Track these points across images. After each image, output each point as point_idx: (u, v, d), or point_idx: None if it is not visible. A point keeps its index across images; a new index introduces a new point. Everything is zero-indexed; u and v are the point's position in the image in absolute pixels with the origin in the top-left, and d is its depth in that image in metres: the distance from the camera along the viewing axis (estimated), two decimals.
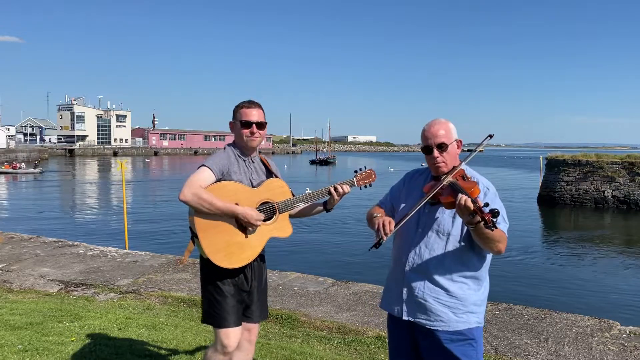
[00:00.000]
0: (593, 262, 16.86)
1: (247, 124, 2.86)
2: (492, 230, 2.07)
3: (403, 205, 2.55)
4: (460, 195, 2.16)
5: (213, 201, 2.63)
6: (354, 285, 6.40)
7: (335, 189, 2.92)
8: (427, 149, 2.44)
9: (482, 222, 2.06)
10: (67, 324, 4.56)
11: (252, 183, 2.87)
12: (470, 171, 2.46)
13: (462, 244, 2.36)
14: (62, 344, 4.00)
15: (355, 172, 3.10)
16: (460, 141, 2.49)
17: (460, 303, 2.36)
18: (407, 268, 2.42)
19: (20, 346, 3.90)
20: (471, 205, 2.08)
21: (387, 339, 4.21)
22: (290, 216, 3.01)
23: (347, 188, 2.95)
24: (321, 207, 3.04)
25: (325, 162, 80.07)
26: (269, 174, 3.02)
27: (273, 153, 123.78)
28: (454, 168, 2.43)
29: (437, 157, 2.41)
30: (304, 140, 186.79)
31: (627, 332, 4.75)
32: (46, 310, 4.98)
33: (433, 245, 2.38)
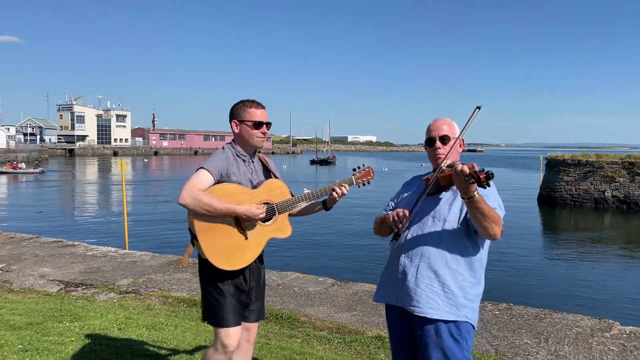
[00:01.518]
0: (593, 262, 16.86)
1: (260, 125, 2.85)
2: (485, 187, 2.13)
3: (405, 196, 2.63)
4: (457, 164, 2.24)
5: (212, 203, 2.61)
6: (354, 285, 6.40)
7: (336, 189, 2.92)
8: (430, 141, 2.53)
9: (476, 182, 2.12)
10: (67, 324, 4.56)
11: (251, 183, 2.86)
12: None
13: (459, 227, 2.38)
14: (62, 344, 4.00)
15: (354, 170, 3.10)
16: (463, 140, 2.53)
17: (451, 293, 2.36)
18: (402, 254, 2.45)
19: (20, 346, 3.90)
20: (467, 170, 2.13)
21: (387, 339, 4.19)
22: (291, 215, 3.01)
23: (347, 188, 2.96)
24: (320, 206, 3.03)
25: (325, 162, 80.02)
26: (268, 173, 3.00)
27: (273, 153, 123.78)
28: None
29: (439, 148, 2.49)
30: (304, 140, 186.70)
31: (627, 332, 4.75)
32: (46, 310, 4.98)
33: (429, 232, 2.41)
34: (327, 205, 3.00)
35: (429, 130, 2.55)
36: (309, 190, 3.00)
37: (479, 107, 2.46)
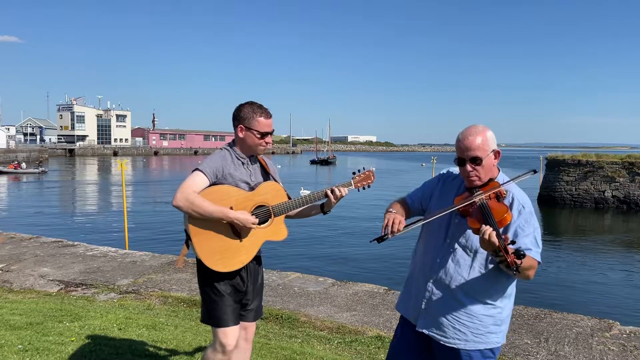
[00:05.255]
0: (593, 262, 16.86)
1: (266, 135, 2.84)
2: (514, 274, 1.95)
3: (433, 206, 2.45)
4: (484, 227, 2.02)
5: (205, 207, 2.60)
6: (354, 285, 6.40)
7: (332, 191, 2.86)
8: (460, 161, 2.30)
9: (504, 264, 1.94)
10: (67, 324, 4.56)
11: (249, 185, 2.84)
12: (507, 185, 2.32)
13: (490, 265, 2.24)
14: (62, 344, 4.00)
15: (354, 173, 3.03)
16: (499, 152, 2.31)
17: (480, 324, 2.26)
18: (430, 280, 2.33)
19: (20, 346, 3.90)
20: (496, 241, 1.96)
21: (387, 339, 4.17)
22: (289, 217, 2.98)
23: (344, 191, 2.89)
24: (318, 209, 2.99)
25: (325, 162, 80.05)
26: (267, 175, 2.98)
27: (273, 153, 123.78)
28: (490, 181, 2.29)
29: (470, 171, 2.26)
30: (304, 140, 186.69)
31: (627, 332, 4.75)
32: (46, 310, 4.98)
33: (459, 261, 2.27)
34: (324, 209, 2.95)
35: (458, 149, 2.27)
36: (307, 192, 2.98)
37: (534, 171, 2.40)
